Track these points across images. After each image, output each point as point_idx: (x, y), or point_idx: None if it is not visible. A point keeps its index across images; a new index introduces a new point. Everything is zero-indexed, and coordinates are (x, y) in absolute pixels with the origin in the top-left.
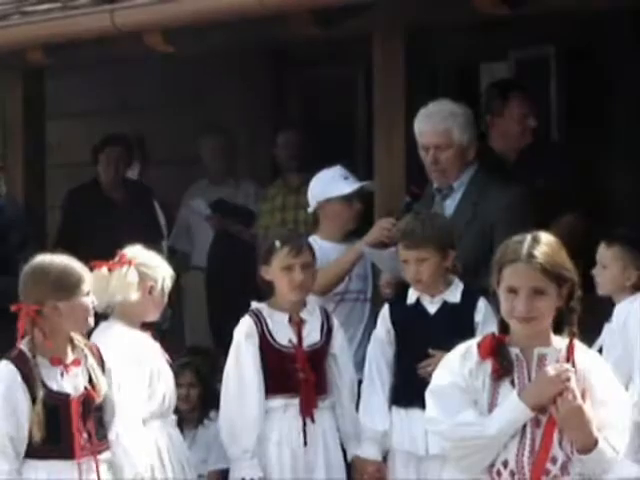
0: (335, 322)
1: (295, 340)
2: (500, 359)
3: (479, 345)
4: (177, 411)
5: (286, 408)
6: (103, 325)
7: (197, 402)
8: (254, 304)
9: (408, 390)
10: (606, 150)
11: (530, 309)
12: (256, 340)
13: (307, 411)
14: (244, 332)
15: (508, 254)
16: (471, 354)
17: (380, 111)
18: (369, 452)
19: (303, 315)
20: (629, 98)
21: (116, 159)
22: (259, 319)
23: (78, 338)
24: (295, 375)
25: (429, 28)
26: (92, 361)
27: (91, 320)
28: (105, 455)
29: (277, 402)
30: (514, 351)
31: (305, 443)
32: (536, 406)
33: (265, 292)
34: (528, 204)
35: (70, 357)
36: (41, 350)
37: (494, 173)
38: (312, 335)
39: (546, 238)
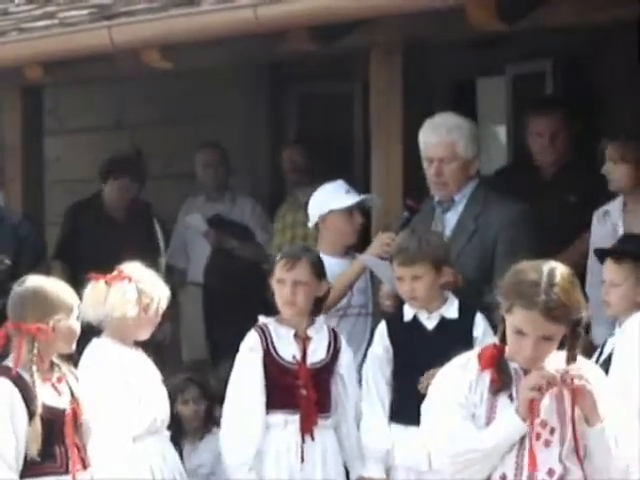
0: (343, 342)
1: (299, 356)
2: (499, 371)
3: (479, 355)
4: (179, 424)
5: (286, 424)
6: (95, 342)
7: (198, 414)
8: (261, 318)
9: (407, 407)
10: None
11: (537, 352)
12: (260, 354)
13: (307, 428)
14: (249, 346)
15: (523, 295)
16: (470, 366)
17: (377, 126)
18: (373, 471)
19: (310, 332)
20: (625, 112)
21: (126, 189)
22: (264, 334)
23: (55, 358)
24: (297, 391)
25: (426, 44)
26: (72, 379)
27: (75, 344)
28: (90, 469)
29: (278, 417)
30: (513, 365)
31: (302, 460)
32: (527, 417)
33: (268, 307)
34: (530, 222)
35: (53, 375)
36: (36, 367)
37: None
38: (317, 353)
39: (561, 277)
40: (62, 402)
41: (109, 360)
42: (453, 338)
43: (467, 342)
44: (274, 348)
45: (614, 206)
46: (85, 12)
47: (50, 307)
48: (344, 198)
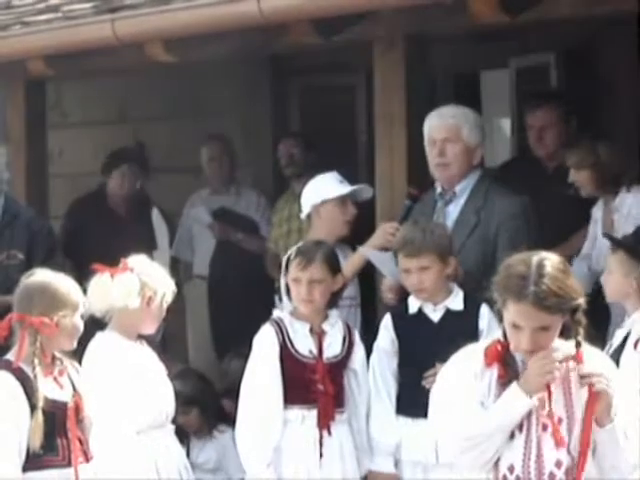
0: (357, 337)
1: (315, 351)
2: (506, 366)
3: (485, 353)
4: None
5: (304, 419)
6: (99, 336)
7: (199, 421)
8: (275, 312)
9: (414, 399)
10: None
11: (535, 343)
12: (277, 349)
13: (324, 423)
14: (265, 340)
15: (512, 288)
16: (477, 357)
17: (380, 119)
18: (383, 466)
19: (324, 327)
20: (628, 104)
21: (131, 177)
22: (280, 328)
23: (56, 352)
24: (314, 386)
25: (429, 36)
26: (73, 372)
27: (76, 342)
28: (93, 462)
29: (295, 413)
30: (519, 357)
31: (321, 455)
32: (531, 391)
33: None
34: (531, 214)
35: (55, 368)
36: (38, 360)
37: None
38: (333, 347)
39: (551, 267)
40: (64, 395)
41: (113, 354)
42: (458, 330)
43: (472, 334)
44: (291, 342)
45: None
46: (88, 5)
47: (56, 302)
48: (337, 188)
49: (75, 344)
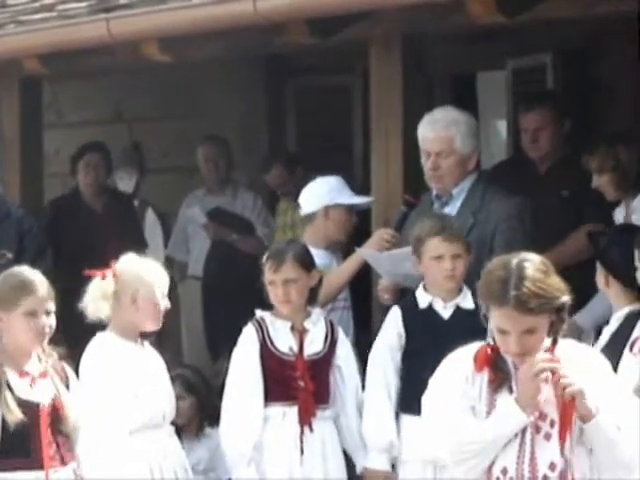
0: (341, 334)
1: (296, 348)
2: (496, 370)
3: (474, 358)
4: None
5: (284, 415)
6: (98, 336)
7: (192, 414)
8: (258, 312)
9: (417, 396)
10: None
11: (523, 347)
12: (257, 347)
13: (305, 419)
14: (245, 339)
15: (494, 294)
16: (467, 361)
17: (377, 120)
18: (377, 463)
19: (306, 324)
20: (626, 105)
21: (95, 166)
22: (261, 326)
23: (43, 354)
24: (294, 383)
25: (426, 37)
26: (59, 374)
27: (37, 342)
28: (72, 465)
29: (276, 409)
30: (510, 358)
31: (302, 451)
32: (528, 407)
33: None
34: (527, 214)
35: (37, 370)
36: (6, 359)
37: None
38: (314, 344)
39: (532, 268)
40: (37, 396)
41: (106, 354)
42: (469, 328)
43: (482, 332)
44: (270, 341)
45: None
46: (83, 4)
47: (9, 298)
48: (351, 195)
49: (38, 345)
